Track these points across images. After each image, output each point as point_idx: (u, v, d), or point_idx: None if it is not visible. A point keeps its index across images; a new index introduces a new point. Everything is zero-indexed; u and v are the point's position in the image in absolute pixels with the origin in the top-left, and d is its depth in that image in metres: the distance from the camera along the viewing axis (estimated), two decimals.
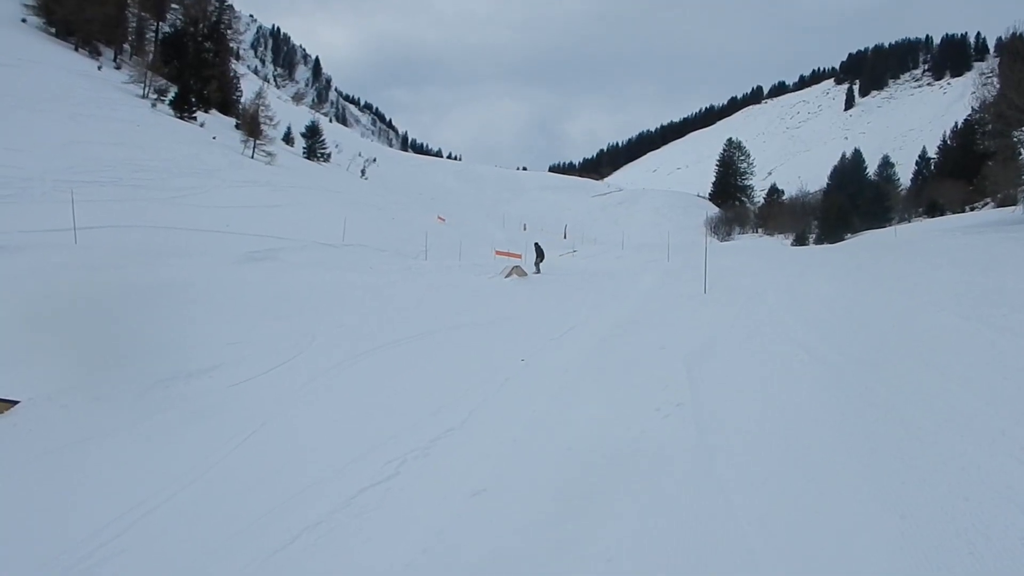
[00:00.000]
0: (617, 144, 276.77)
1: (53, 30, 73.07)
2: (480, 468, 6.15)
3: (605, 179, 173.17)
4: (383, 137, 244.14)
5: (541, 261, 27.81)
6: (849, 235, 52.24)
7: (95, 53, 74.47)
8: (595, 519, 5.21)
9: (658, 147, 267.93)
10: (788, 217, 74.98)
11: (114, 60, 76.05)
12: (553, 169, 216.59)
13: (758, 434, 6.86)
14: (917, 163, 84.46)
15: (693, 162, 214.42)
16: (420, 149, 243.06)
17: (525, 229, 71.75)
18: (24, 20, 72.36)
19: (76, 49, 71.83)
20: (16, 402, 7.30)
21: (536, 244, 29.12)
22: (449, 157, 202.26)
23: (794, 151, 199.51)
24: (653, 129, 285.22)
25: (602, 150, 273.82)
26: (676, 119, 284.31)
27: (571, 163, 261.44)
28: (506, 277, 23.36)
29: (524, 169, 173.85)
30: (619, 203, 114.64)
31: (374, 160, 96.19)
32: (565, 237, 69.67)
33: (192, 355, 9.70)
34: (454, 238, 38.11)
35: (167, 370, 8.95)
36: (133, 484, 5.77)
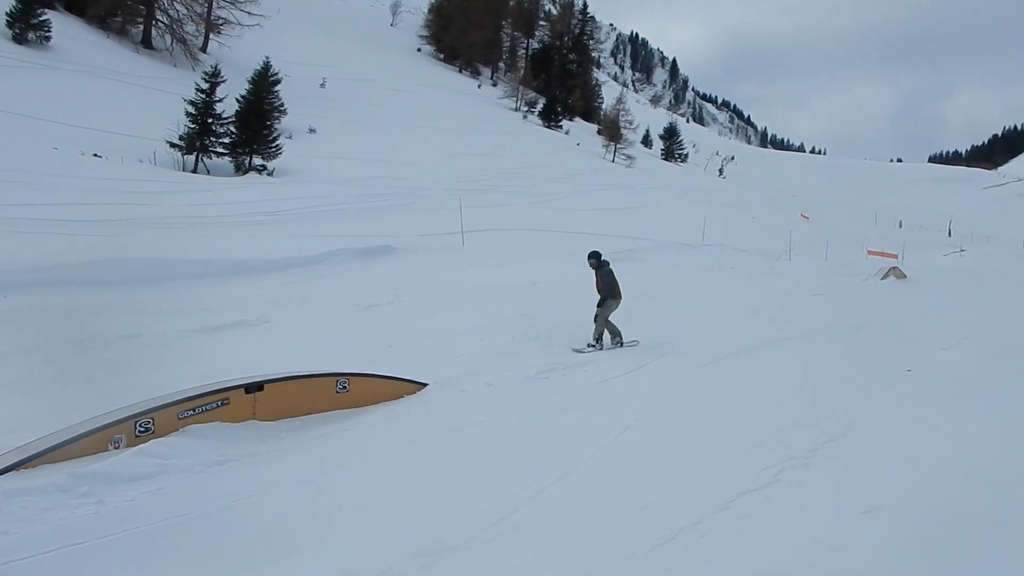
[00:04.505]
0: (1015, 127, 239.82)
1: (441, 56, 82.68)
2: (869, 483, 5.64)
3: (999, 168, 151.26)
4: (741, 134, 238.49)
5: (614, 305, 11.22)
6: None
7: (475, 73, 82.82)
8: (1009, 550, 4.53)
9: None
10: None
11: (491, 78, 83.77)
12: (933, 159, 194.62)
13: None
14: None
15: None
16: (780, 144, 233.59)
17: (900, 226, 65.37)
18: (419, 49, 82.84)
19: (460, 71, 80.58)
20: (425, 384, 8.39)
21: (595, 255, 11.51)
22: (812, 151, 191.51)
23: None
24: None
25: (995, 135, 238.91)
26: None
27: (955, 152, 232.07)
28: (881, 279, 21.47)
29: (898, 161, 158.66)
30: (1019, 195, 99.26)
31: (732, 158, 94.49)
32: (950, 235, 62.14)
33: (566, 350, 10.29)
34: (819, 237, 35.95)
35: (546, 363, 9.60)
36: (521, 465, 6.22)
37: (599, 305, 11.07)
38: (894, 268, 22.85)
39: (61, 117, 27.37)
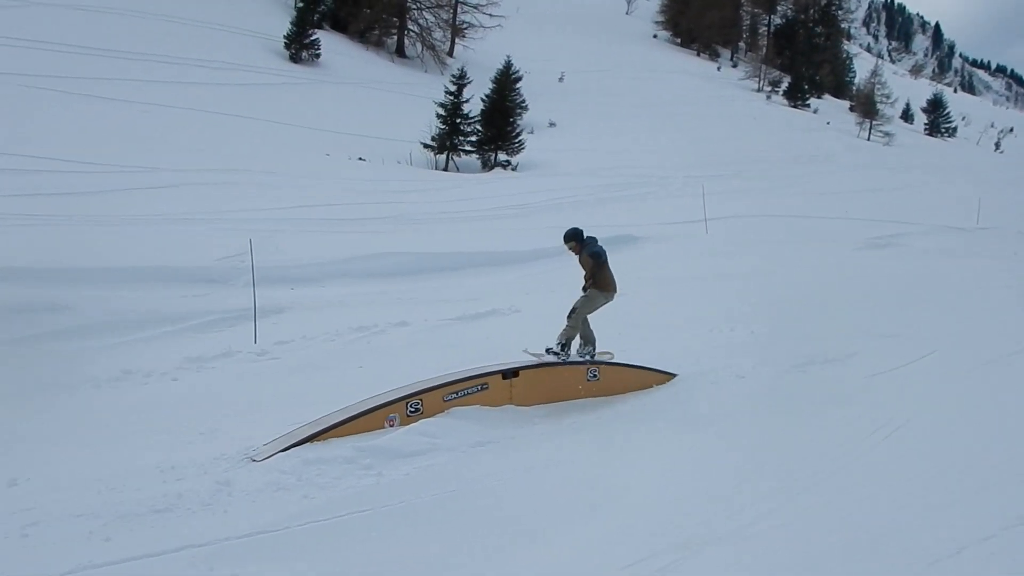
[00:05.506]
0: None
1: (678, 40, 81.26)
2: None
3: None
4: (1021, 103, 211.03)
5: (601, 300, 8.09)
6: None
7: (714, 55, 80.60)
8: None
9: None
10: None
11: (731, 59, 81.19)
12: None
13: None
14: None
15: None
16: None
17: None
18: (655, 36, 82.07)
19: (698, 54, 78.77)
20: (675, 375, 8.34)
21: (573, 235, 8.36)
22: None
23: None
24: None
25: None
26: None
27: None
28: None
29: None
30: None
31: (1010, 130, 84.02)
32: None
33: (828, 342, 9.69)
34: None
35: (800, 355, 9.13)
36: (779, 461, 5.99)
37: (584, 300, 8.04)
38: None
39: (331, 126, 30.19)
